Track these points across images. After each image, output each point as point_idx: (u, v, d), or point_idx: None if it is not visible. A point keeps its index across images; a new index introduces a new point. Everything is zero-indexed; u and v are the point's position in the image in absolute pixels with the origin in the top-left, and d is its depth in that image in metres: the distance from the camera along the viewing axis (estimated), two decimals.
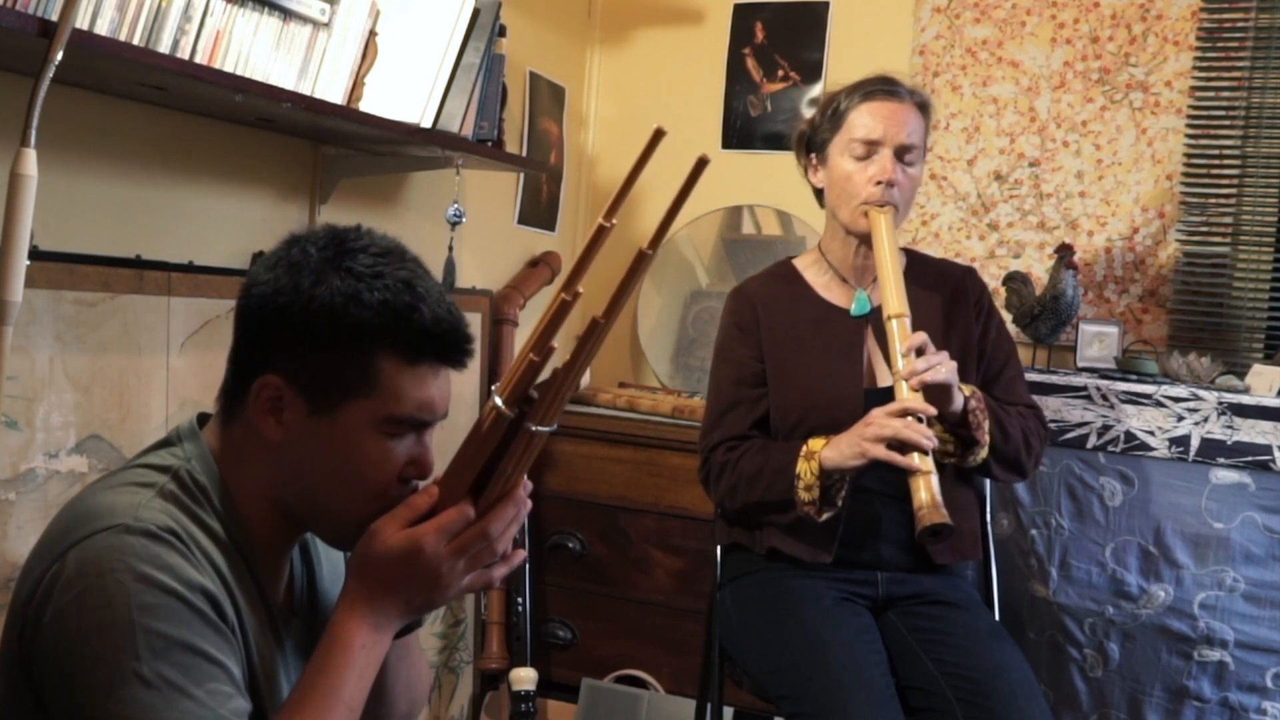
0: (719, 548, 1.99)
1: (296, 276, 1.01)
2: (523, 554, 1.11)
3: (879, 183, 1.78)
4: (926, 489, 1.58)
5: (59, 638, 0.90)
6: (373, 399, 1.01)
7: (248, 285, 1.04)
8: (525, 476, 1.05)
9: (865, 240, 1.83)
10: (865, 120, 1.80)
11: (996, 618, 1.94)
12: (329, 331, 1.00)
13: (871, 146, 1.79)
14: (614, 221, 1.00)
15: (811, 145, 1.90)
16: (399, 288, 1.01)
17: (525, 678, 2.55)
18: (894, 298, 1.70)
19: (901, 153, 1.79)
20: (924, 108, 1.85)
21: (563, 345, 3.21)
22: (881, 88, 1.81)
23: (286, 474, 1.04)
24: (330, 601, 1.18)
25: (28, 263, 1.32)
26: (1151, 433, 2.26)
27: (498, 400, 1.00)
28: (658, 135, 0.98)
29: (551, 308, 1.00)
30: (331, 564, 1.21)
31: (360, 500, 1.04)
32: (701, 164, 0.96)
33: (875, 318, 1.86)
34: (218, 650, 0.94)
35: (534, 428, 1.01)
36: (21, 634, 0.94)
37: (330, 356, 1.00)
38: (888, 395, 1.71)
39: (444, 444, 1.04)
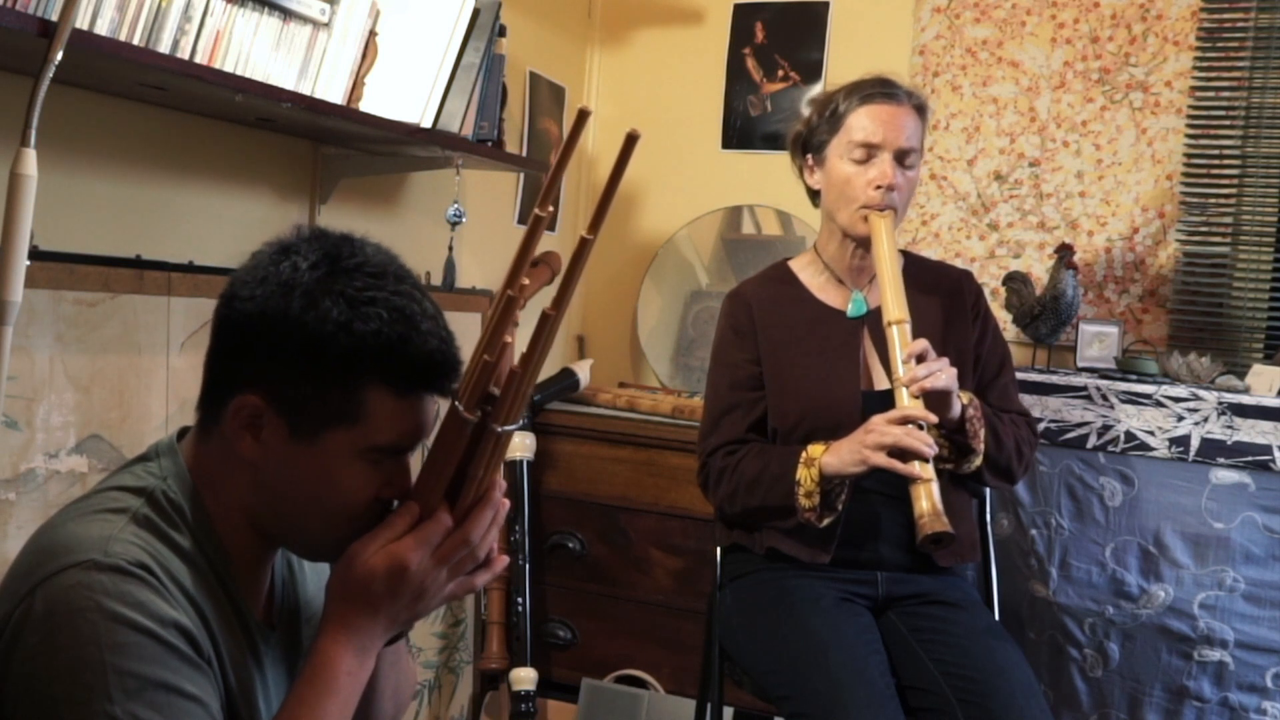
0: (719, 548, 1.99)
1: (287, 298, 0.96)
2: (505, 560, 1.09)
3: (879, 187, 1.77)
4: (928, 497, 1.58)
5: (29, 679, 0.88)
6: (357, 429, 0.98)
7: (230, 296, 1.00)
8: (499, 477, 1.04)
9: (863, 243, 1.83)
10: (864, 123, 1.79)
11: (996, 618, 1.94)
12: (318, 360, 0.96)
13: (871, 150, 1.79)
14: (550, 209, 0.99)
15: (808, 146, 1.89)
16: (393, 316, 0.97)
17: (525, 678, 2.55)
18: (894, 303, 1.69)
19: (901, 156, 1.79)
20: (921, 109, 1.84)
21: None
22: (880, 90, 1.81)
23: (260, 491, 1.02)
24: (313, 608, 1.16)
25: (28, 263, 1.32)
26: (1151, 433, 2.26)
27: (458, 406, 0.99)
28: (631, 140, 0.95)
29: (497, 305, 0.99)
30: (316, 572, 1.19)
31: (335, 522, 1.02)
32: (631, 140, 0.94)
33: (872, 319, 1.86)
34: (194, 686, 0.91)
35: (499, 428, 1.00)
36: None
37: (317, 384, 0.97)
38: (885, 397, 1.71)
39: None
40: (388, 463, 1.02)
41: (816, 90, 2.96)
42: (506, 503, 1.06)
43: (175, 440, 1.06)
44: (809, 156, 1.90)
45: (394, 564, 0.99)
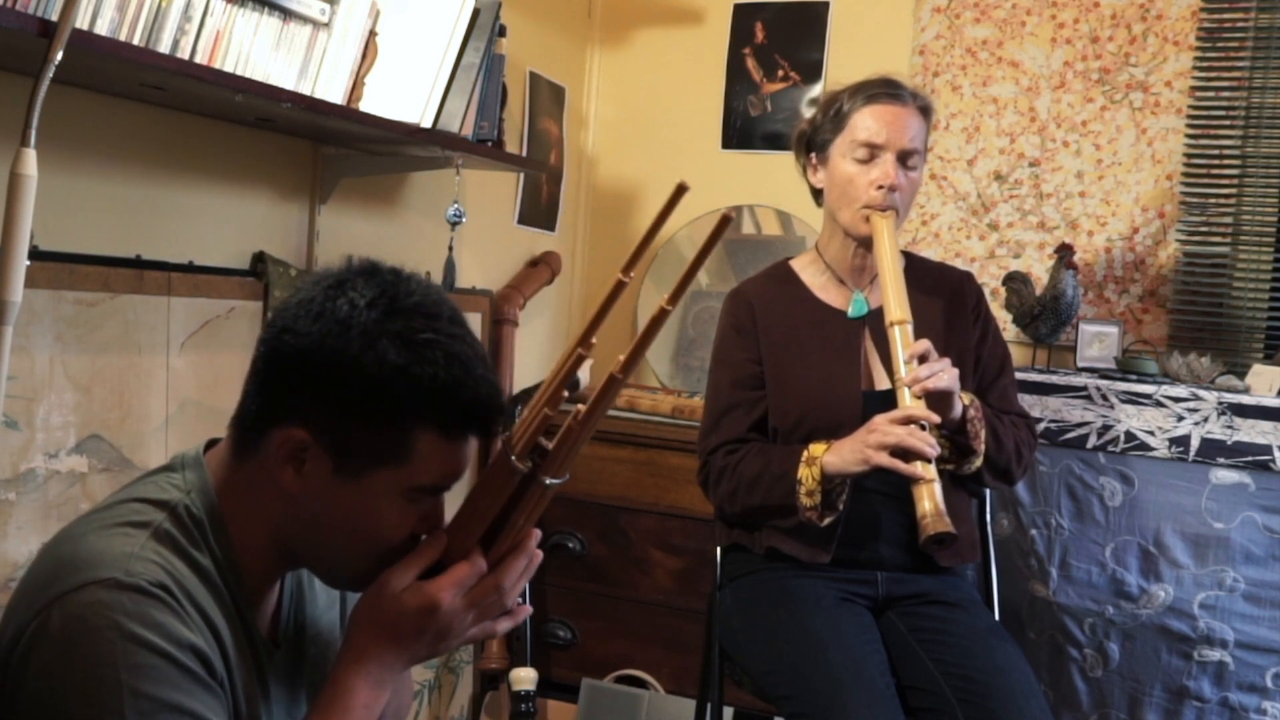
0: (719, 548, 1.99)
1: (344, 337, 0.96)
2: (528, 610, 1.10)
3: (881, 187, 1.77)
4: (930, 497, 1.57)
5: (43, 695, 0.87)
6: (402, 469, 0.99)
7: (280, 329, 0.99)
8: (535, 527, 1.05)
9: (864, 243, 1.83)
10: (868, 123, 1.79)
11: (996, 618, 1.94)
12: (373, 402, 0.96)
13: (874, 150, 1.78)
14: (631, 276, 0.99)
15: (812, 145, 1.89)
16: (449, 360, 0.97)
17: (525, 678, 2.55)
18: (896, 304, 1.69)
19: (904, 157, 1.79)
20: (926, 111, 1.84)
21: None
22: (884, 91, 1.80)
23: (296, 522, 1.01)
24: (318, 625, 1.17)
25: (28, 263, 1.32)
26: (1151, 433, 2.26)
27: (512, 455, 0.99)
28: (680, 191, 0.94)
29: (565, 362, 0.99)
30: (325, 590, 1.19)
31: (368, 555, 1.02)
32: (725, 221, 0.94)
33: (873, 319, 1.86)
34: (206, 709, 0.91)
35: (548, 481, 1.00)
36: (2, 684, 0.91)
37: (368, 425, 0.97)
38: (886, 397, 1.71)
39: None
40: (425, 500, 1.03)
41: (817, 90, 2.96)
42: (540, 554, 1.07)
43: (201, 453, 1.06)
44: (812, 155, 1.90)
45: (426, 602, 0.99)
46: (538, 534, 1.06)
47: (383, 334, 0.96)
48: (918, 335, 1.69)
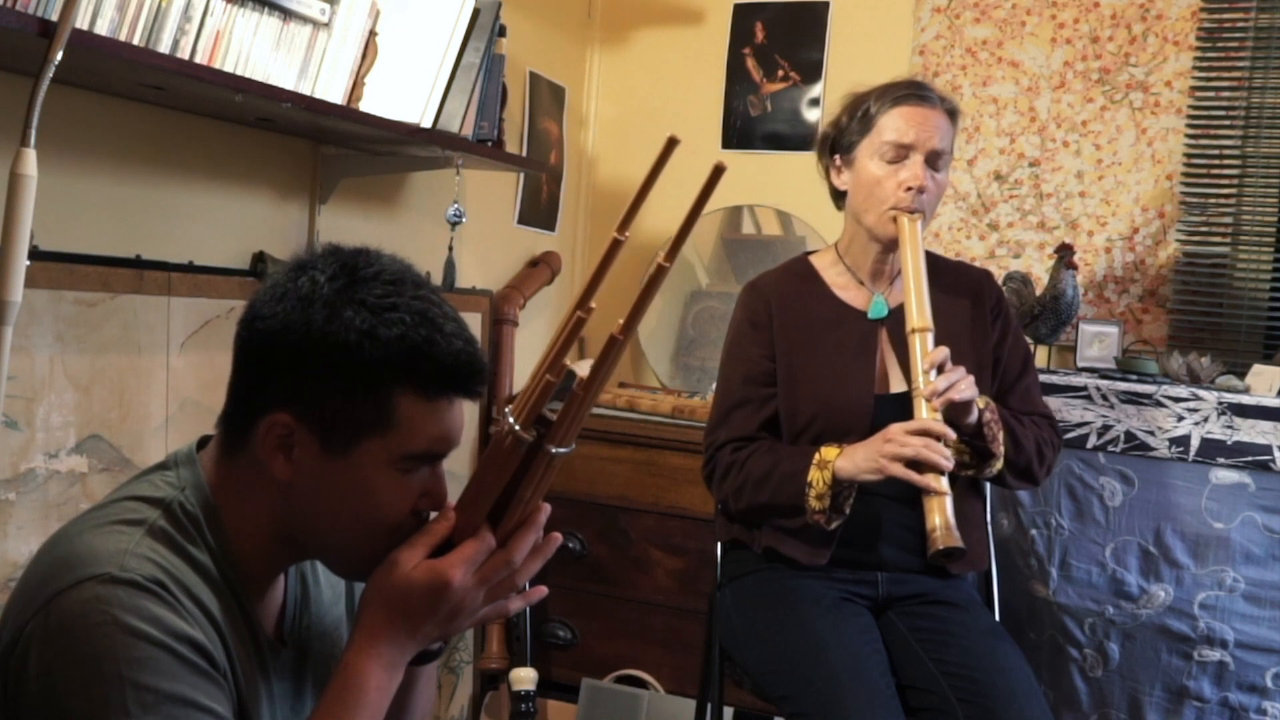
0: (719, 547, 1.99)
1: (307, 311, 0.96)
2: (543, 590, 1.09)
3: (909, 188, 1.76)
4: (940, 511, 1.57)
5: (45, 693, 0.87)
6: (389, 437, 0.98)
7: (251, 318, 1.00)
8: (543, 500, 1.03)
9: (888, 245, 1.81)
10: (897, 124, 1.77)
11: (996, 618, 1.94)
12: (345, 370, 0.96)
13: (902, 150, 1.77)
14: (627, 235, 0.98)
15: (836, 147, 1.88)
16: (416, 320, 0.97)
17: (525, 678, 2.55)
18: (918, 311, 1.68)
19: (932, 159, 1.77)
20: (953, 114, 1.82)
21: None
22: (912, 92, 1.79)
23: (295, 511, 1.01)
24: (326, 625, 1.16)
25: (28, 263, 1.32)
26: (1151, 433, 2.26)
27: (515, 424, 0.98)
28: (671, 144, 0.95)
29: (565, 326, 0.97)
30: (331, 585, 1.19)
31: (373, 536, 1.01)
32: (717, 172, 0.94)
33: (891, 321, 1.84)
34: (210, 699, 0.91)
35: (554, 450, 0.99)
36: (4, 686, 0.91)
37: (346, 395, 0.96)
38: (899, 401, 1.70)
39: (447, 462, 1.03)
40: (422, 472, 1.02)
41: (817, 90, 2.96)
42: (558, 537, 1.06)
43: (195, 450, 1.06)
44: (837, 157, 1.88)
45: (436, 580, 0.98)
46: (547, 509, 1.04)
47: (347, 303, 0.96)
48: (940, 335, 1.68)
